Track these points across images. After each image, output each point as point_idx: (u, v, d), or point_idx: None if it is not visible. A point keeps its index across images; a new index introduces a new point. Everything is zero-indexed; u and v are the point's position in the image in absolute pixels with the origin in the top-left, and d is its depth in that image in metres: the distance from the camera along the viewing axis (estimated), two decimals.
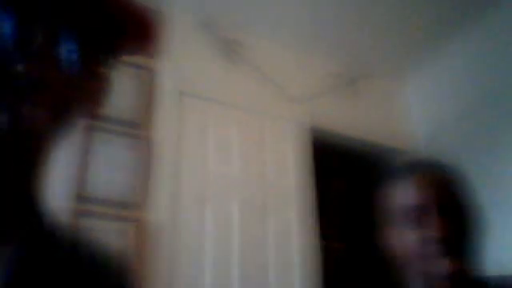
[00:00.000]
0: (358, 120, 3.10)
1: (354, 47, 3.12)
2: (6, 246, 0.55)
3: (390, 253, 1.08)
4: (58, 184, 2.00)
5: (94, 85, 0.59)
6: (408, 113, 3.35)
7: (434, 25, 2.94)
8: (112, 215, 2.07)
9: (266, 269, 2.43)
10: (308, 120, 2.91)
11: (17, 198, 0.58)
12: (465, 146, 2.82)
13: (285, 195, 2.65)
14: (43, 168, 0.57)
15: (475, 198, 1.10)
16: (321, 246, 2.64)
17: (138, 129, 2.35)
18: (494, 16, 2.81)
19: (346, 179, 3.31)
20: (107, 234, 2.06)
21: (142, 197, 2.24)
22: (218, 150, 2.59)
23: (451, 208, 1.02)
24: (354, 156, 3.17)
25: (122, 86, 2.33)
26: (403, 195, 1.07)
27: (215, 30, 2.76)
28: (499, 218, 2.46)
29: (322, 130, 2.94)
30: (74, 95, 0.57)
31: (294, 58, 3.09)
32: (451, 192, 1.05)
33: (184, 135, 2.51)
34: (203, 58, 2.74)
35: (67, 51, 0.55)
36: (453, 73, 3.09)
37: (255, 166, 2.64)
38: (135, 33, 0.61)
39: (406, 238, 1.03)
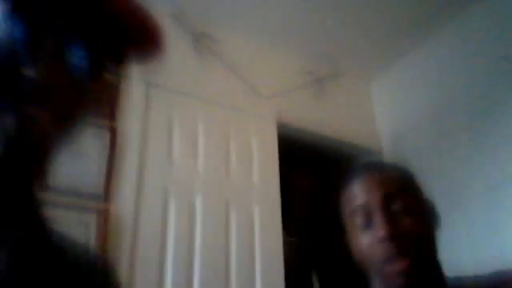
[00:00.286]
0: (324, 117, 3.13)
1: (322, 45, 3.14)
2: (2, 248, 0.55)
3: (352, 255, 1.07)
4: None
5: (100, 91, 0.60)
6: (374, 112, 3.39)
7: (401, 25, 2.98)
8: (75, 205, 2.04)
9: (228, 262, 2.43)
10: (275, 116, 2.92)
11: (16, 200, 0.59)
12: (429, 145, 2.88)
13: (249, 190, 2.66)
14: (44, 171, 0.57)
15: (428, 197, 1.10)
16: (284, 241, 2.65)
17: (103, 118, 2.32)
18: (463, 18, 2.87)
19: (311, 176, 3.33)
20: (70, 225, 2.03)
21: (105, 187, 2.22)
22: (183, 142, 2.57)
23: (394, 205, 1.01)
24: (319, 153, 3.20)
25: None
26: (352, 197, 1.07)
27: (186, 22, 2.74)
28: (460, 219, 2.52)
29: (288, 126, 2.95)
30: (80, 100, 0.57)
31: (263, 53, 3.09)
32: (397, 191, 1.03)
33: (150, 126, 2.49)
34: (172, 50, 2.71)
35: (76, 57, 0.56)
36: (419, 73, 3.14)
37: (220, 160, 2.64)
38: (141, 40, 0.62)
39: (359, 241, 1.03)
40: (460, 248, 2.42)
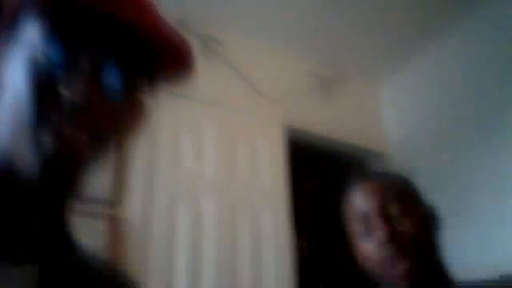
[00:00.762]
0: (332, 121, 3.12)
1: (330, 49, 3.13)
2: (35, 264, 0.57)
3: (357, 262, 1.10)
4: None
5: (133, 112, 0.61)
6: (382, 115, 3.38)
7: (409, 28, 2.97)
8: (85, 212, 2.04)
9: (238, 268, 2.42)
10: (283, 119, 2.91)
11: (48, 216, 0.60)
12: (437, 149, 2.87)
13: (258, 194, 2.66)
14: (76, 188, 0.58)
15: (428, 201, 1.12)
16: (295, 245, 2.65)
17: None
18: (470, 23, 2.86)
19: (319, 179, 3.32)
20: (79, 230, 2.03)
21: (114, 193, 2.22)
22: (192, 147, 2.58)
23: (392, 209, 1.04)
24: (328, 156, 3.19)
25: None
26: (352, 206, 1.11)
27: (192, 27, 2.75)
28: (470, 221, 2.50)
29: (296, 129, 2.95)
30: (114, 120, 0.58)
31: (270, 57, 3.09)
32: (395, 196, 1.06)
33: (157, 131, 2.49)
34: None
35: (110, 78, 0.56)
36: (427, 77, 3.13)
37: (229, 165, 2.64)
38: (173, 62, 0.64)
39: (361, 248, 1.06)
40: (471, 250, 2.41)
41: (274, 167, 2.77)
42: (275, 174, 2.75)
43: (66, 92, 0.54)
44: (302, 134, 2.98)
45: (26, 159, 0.54)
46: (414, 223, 1.03)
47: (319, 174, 3.33)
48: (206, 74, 2.75)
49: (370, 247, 1.03)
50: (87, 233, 2.28)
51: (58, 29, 0.57)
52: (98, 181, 2.19)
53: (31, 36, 0.58)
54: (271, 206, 2.65)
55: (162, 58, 0.65)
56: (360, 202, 1.08)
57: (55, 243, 0.62)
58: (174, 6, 2.69)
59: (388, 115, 3.36)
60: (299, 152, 2.96)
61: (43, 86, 0.55)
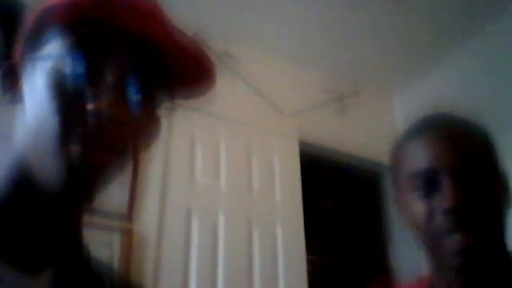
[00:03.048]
0: (347, 135, 3.11)
1: (344, 63, 3.14)
2: (49, 274, 0.59)
3: (403, 225, 0.92)
4: None
5: (149, 125, 0.62)
6: (397, 128, 3.37)
7: (423, 41, 2.97)
8: (99, 225, 2.05)
9: (251, 282, 2.41)
10: (297, 134, 2.91)
11: (65, 225, 0.61)
12: None
13: (272, 209, 2.65)
14: (93, 199, 0.59)
15: (502, 164, 0.92)
16: (308, 260, 2.63)
17: None
18: (486, 32, 2.84)
19: (333, 193, 3.31)
20: (93, 244, 2.03)
21: (129, 207, 2.23)
22: (205, 161, 2.58)
23: (468, 171, 0.84)
24: (342, 170, 3.18)
25: None
26: (414, 157, 0.90)
27: (207, 42, 2.76)
28: None
29: (310, 144, 2.94)
30: (135, 133, 0.59)
31: (284, 71, 3.10)
32: (470, 152, 0.86)
33: (172, 146, 2.50)
34: None
35: (133, 92, 0.58)
36: (441, 89, 3.11)
37: (243, 179, 2.64)
38: (192, 77, 0.65)
39: (416, 209, 0.86)
40: None
41: (289, 181, 2.76)
42: (290, 188, 2.74)
43: (90, 105, 0.55)
44: (316, 148, 2.97)
45: (49, 170, 0.55)
46: (488, 194, 0.83)
47: (333, 187, 3.31)
48: (221, 89, 2.75)
49: (427, 210, 0.83)
50: (102, 246, 2.28)
51: (81, 43, 0.58)
52: (113, 194, 2.20)
53: (55, 50, 0.59)
54: (286, 221, 2.64)
55: (182, 71, 0.65)
56: (426, 154, 0.87)
57: (70, 254, 0.63)
58: (189, 21, 2.71)
59: (403, 128, 3.33)
60: (313, 166, 2.95)
61: (68, 98, 0.56)
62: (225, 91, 2.77)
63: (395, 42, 2.97)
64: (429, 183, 0.85)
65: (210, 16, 2.74)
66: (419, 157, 0.88)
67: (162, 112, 0.66)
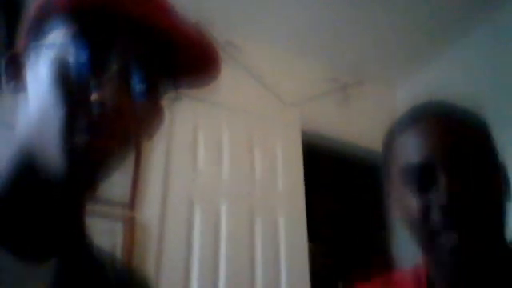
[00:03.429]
0: (349, 125, 3.11)
1: (347, 53, 3.13)
2: (53, 259, 0.59)
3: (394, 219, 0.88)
4: None
5: (153, 114, 0.62)
6: None
7: (426, 31, 2.96)
8: (101, 213, 2.06)
9: (253, 270, 2.42)
10: (299, 123, 2.91)
11: (68, 213, 0.62)
12: None
13: (274, 198, 2.65)
14: (97, 187, 0.60)
15: (502, 157, 0.86)
16: (309, 248, 2.64)
17: None
18: (490, 22, 2.83)
19: (335, 182, 3.31)
20: (95, 232, 2.04)
21: (131, 196, 2.23)
22: (208, 150, 2.58)
23: (466, 165, 0.79)
24: (344, 160, 3.18)
25: None
26: (404, 152, 0.85)
27: (209, 31, 2.76)
28: None
29: (313, 133, 2.94)
30: (138, 122, 0.60)
31: (287, 61, 3.09)
32: (467, 144, 0.81)
33: (174, 135, 2.51)
34: None
35: (137, 81, 0.58)
36: (444, 80, 3.10)
37: (245, 168, 2.64)
38: (197, 66, 0.65)
39: (409, 204, 0.81)
40: None
41: (291, 171, 2.76)
42: (292, 178, 2.75)
43: (94, 95, 0.55)
44: (319, 138, 2.97)
45: (53, 159, 0.55)
46: (487, 187, 0.79)
47: (337, 177, 3.32)
48: (224, 79, 2.75)
49: (421, 205, 0.79)
50: (104, 234, 2.29)
51: (84, 31, 0.58)
52: (115, 183, 2.21)
53: (58, 39, 0.59)
54: (288, 210, 2.65)
55: (187, 60, 0.65)
56: (420, 147, 0.82)
57: (73, 242, 0.63)
58: (192, 11, 2.70)
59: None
60: (315, 155, 2.95)
61: (71, 87, 0.56)
62: (227, 81, 2.76)
63: (398, 32, 2.96)
64: (423, 177, 0.80)
65: (212, 5, 2.73)
66: (413, 149, 0.83)
67: (166, 102, 0.66)
